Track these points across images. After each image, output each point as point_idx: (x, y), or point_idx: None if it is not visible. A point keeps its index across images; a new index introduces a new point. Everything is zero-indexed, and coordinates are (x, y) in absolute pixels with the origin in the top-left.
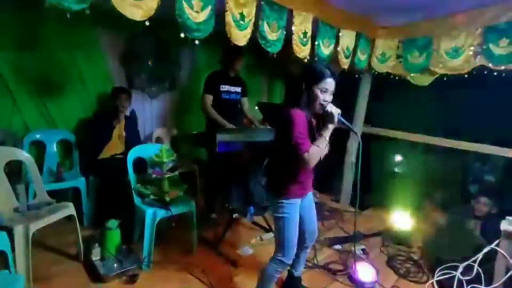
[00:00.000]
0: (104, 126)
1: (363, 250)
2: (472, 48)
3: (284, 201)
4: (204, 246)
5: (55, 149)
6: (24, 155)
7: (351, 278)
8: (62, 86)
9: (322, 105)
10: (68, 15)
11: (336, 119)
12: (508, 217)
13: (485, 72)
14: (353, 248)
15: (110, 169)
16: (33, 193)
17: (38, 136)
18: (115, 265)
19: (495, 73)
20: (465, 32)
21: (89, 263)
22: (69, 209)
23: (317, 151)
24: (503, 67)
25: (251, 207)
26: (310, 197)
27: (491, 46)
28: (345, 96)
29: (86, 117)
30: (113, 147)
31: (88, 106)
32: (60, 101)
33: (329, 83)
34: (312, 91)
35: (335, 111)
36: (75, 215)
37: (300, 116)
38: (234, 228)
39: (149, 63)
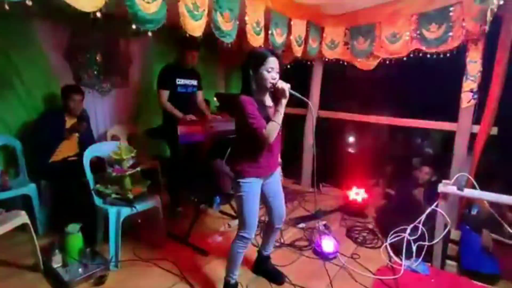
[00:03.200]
0: (53, 128)
1: (324, 225)
2: (408, 33)
3: (241, 180)
4: (173, 240)
5: None
6: None
7: (316, 251)
8: None
9: (272, 83)
10: (6, 7)
11: (287, 93)
12: (444, 181)
13: (420, 55)
14: (316, 225)
15: (64, 171)
16: None
17: None
18: (80, 269)
19: (428, 56)
20: (402, 19)
21: (50, 272)
22: (21, 218)
23: (274, 126)
24: (434, 50)
25: (217, 197)
26: (275, 180)
27: (423, 31)
28: (300, 83)
29: (31, 120)
30: (66, 149)
31: (31, 108)
32: None
33: (272, 61)
34: (260, 73)
35: (285, 85)
36: (29, 223)
37: (248, 100)
38: (202, 219)
39: (97, 58)
